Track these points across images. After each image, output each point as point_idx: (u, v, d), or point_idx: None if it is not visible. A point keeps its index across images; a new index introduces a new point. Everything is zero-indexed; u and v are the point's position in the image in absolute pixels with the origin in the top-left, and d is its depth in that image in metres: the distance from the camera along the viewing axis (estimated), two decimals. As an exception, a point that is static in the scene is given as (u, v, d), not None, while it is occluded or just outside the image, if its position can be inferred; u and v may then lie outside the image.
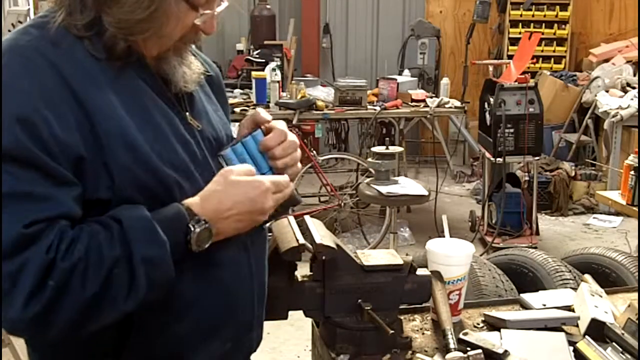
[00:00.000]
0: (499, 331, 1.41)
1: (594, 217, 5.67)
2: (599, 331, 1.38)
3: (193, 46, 1.22)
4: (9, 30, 3.85)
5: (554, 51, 7.31)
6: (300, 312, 1.35)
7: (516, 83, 4.63)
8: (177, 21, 1.08)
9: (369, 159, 3.83)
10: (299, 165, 1.24)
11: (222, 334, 1.18)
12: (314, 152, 5.03)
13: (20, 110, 0.96)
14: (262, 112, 1.23)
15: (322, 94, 5.38)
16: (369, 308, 1.29)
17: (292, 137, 1.22)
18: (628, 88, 6.04)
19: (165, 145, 1.09)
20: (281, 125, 1.22)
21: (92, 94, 1.02)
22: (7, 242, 0.94)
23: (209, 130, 1.21)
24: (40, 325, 0.96)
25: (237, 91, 5.69)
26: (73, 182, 1.00)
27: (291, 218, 1.39)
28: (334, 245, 1.28)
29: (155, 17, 1.05)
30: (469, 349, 1.31)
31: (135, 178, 1.03)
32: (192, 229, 1.05)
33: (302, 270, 1.35)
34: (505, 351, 1.29)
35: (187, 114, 1.17)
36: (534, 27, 7.13)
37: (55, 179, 0.98)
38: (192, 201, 1.08)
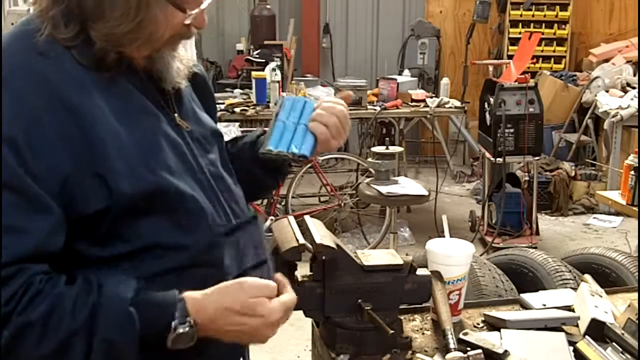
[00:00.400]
0: (499, 331, 1.41)
1: (594, 217, 5.67)
2: (599, 331, 1.38)
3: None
4: (9, 30, 3.84)
5: (554, 51, 7.31)
6: (300, 312, 1.34)
7: (516, 83, 4.63)
8: (165, 25, 1.06)
9: (369, 159, 3.83)
10: (339, 140, 1.25)
11: (209, 352, 1.14)
12: (314, 152, 5.02)
13: (6, 130, 0.94)
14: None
15: (322, 94, 5.38)
16: (369, 308, 1.29)
17: (342, 108, 1.24)
18: (628, 88, 6.04)
19: (157, 148, 1.08)
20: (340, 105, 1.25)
21: (82, 101, 1.00)
22: None
23: (198, 129, 1.21)
24: None
25: (237, 91, 5.68)
26: (53, 208, 0.97)
27: (291, 218, 1.39)
28: (334, 245, 1.28)
29: (142, 26, 1.03)
30: (469, 349, 1.30)
31: (132, 184, 1.02)
32: (173, 328, 0.99)
33: (302, 270, 1.35)
34: (505, 351, 1.28)
35: (176, 115, 1.16)
36: (534, 27, 7.13)
37: (35, 205, 0.96)
38: (191, 298, 1.02)
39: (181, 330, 0.98)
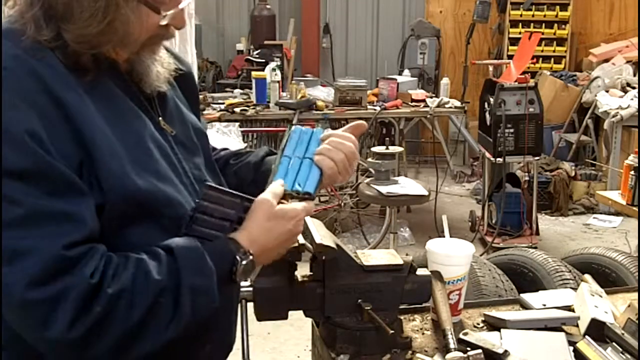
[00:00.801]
0: (499, 331, 1.41)
1: (594, 217, 5.67)
2: (599, 331, 1.38)
3: (167, 43, 1.20)
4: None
5: (554, 51, 7.31)
6: (300, 312, 1.35)
7: (516, 83, 4.63)
8: (139, 26, 1.05)
9: (369, 159, 3.83)
10: (345, 176, 1.27)
11: (203, 338, 1.18)
12: (314, 152, 5.03)
13: (23, 124, 0.94)
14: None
15: (322, 94, 5.39)
16: (369, 308, 1.29)
17: (351, 145, 1.25)
18: (628, 88, 6.04)
19: (145, 153, 1.08)
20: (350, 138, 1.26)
21: (73, 102, 1.00)
22: (45, 265, 0.92)
23: (183, 133, 1.21)
24: (81, 348, 0.95)
25: (237, 91, 5.69)
26: (86, 191, 0.99)
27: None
28: (334, 245, 1.28)
29: (113, 27, 1.02)
30: (469, 349, 1.30)
31: (122, 188, 1.01)
32: (239, 261, 1.07)
33: (302, 270, 1.35)
34: (505, 351, 1.28)
35: (160, 118, 1.16)
36: (534, 27, 7.13)
37: (76, 190, 0.97)
38: (239, 234, 1.10)
39: (245, 261, 1.08)
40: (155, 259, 1.01)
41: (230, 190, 1.15)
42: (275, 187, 1.16)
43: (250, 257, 1.09)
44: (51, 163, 0.95)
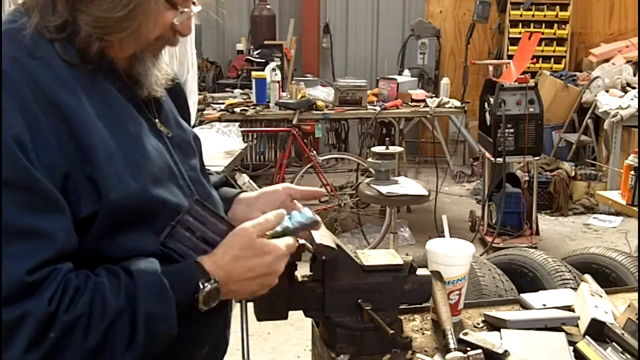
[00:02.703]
0: (499, 331, 1.41)
1: (594, 217, 5.67)
2: (599, 331, 1.38)
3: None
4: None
5: (554, 51, 7.31)
6: (300, 312, 1.35)
7: (516, 83, 4.63)
8: (155, 20, 1.06)
9: (369, 159, 3.83)
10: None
11: (201, 340, 1.18)
12: (314, 152, 5.04)
13: (10, 130, 0.92)
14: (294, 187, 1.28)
15: (322, 94, 5.39)
16: (369, 308, 1.29)
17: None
18: (628, 88, 6.05)
19: (143, 156, 1.07)
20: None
21: (71, 104, 0.99)
22: (7, 287, 0.91)
23: (179, 134, 1.20)
24: None
25: (237, 91, 5.70)
26: (65, 206, 0.97)
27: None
28: (334, 245, 1.28)
29: (134, 15, 1.02)
30: (469, 349, 1.30)
31: (119, 192, 1.00)
32: (201, 287, 1.03)
33: (302, 270, 1.35)
34: (505, 351, 1.28)
35: (157, 120, 1.16)
36: (534, 27, 7.14)
37: (52, 205, 0.95)
38: (206, 258, 1.07)
39: (208, 287, 1.03)
40: (115, 280, 0.99)
41: (218, 213, 1.12)
42: (262, 220, 1.12)
43: (215, 284, 1.04)
44: (32, 174, 0.93)
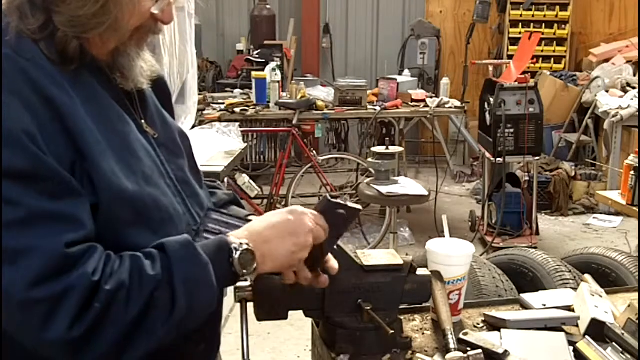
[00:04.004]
0: (499, 331, 1.41)
1: (594, 217, 5.67)
2: (599, 331, 1.38)
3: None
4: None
5: (554, 51, 7.31)
6: (300, 312, 1.34)
7: (516, 83, 4.63)
8: (132, 10, 1.04)
9: (369, 159, 3.83)
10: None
11: (199, 336, 1.18)
12: (314, 152, 5.04)
13: (19, 123, 0.93)
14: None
15: (322, 94, 5.39)
16: (369, 308, 1.29)
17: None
18: (628, 88, 6.04)
19: (132, 155, 1.07)
20: None
21: (64, 101, 0.99)
22: (47, 262, 0.92)
23: (165, 135, 1.20)
24: (80, 348, 0.94)
25: (237, 91, 5.70)
26: (82, 193, 0.98)
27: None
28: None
29: (107, 9, 1.01)
30: (469, 349, 1.30)
31: (111, 187, 1.01)
32: (234, 251, 1.06)
33: (302, 271, 1.35)
34: (505, 351, 1.28)
35: (143, 121, 1.15)
36: (534, 27, 7.14)
37: (73, 191, 0.97)
38: (236, 231, 1.11)
39: (240, 250, 1.06)
40: (149, 257, 1.01)
41: (235, 215, 1.16)
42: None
43: (247, 246, 1.07)
44: (48, 164, 0.94)
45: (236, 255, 1.05)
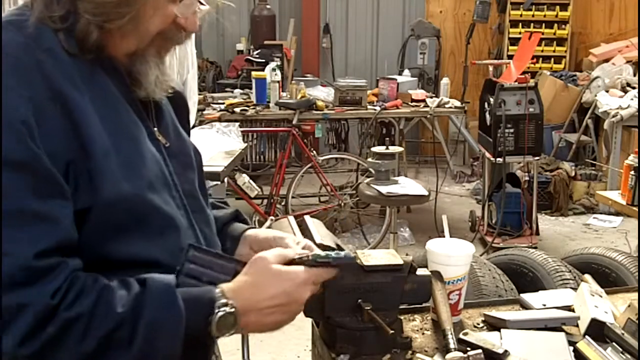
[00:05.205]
0: (499, 331, 1.41)
1: (594, 217, 5.67)
2: (599, 331, 1.38)
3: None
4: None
5: (554, 51, 7.31)
6: (300, 312, 1.35)
7: (516, 83, 4.63)
8: (154, 8, 1.04)
9: (369, 159, 3.83)
10: None
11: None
12: (314, 152, 5.04)
13: (20, 113, 0.92)
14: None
15: (322, 94, 5.39)
16: (369, 308, 1.29)
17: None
18: (628, 88, 6.05)
19: (139, 160, 1.05)
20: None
21: (75, 98, 0.99)
22: (11, 272, 0.89)
23: (178, 146, 1.18)
24: None
25: (237, 91, 5.69)
26: (68, 193, 0.96)
27: (291, 218, 1.39)
28: (334, 245, 1.28)
29: (131, 0, 1.01)
30: (469, 349, 1.30)
31: (112, 191, 0.99)
32: (216, 311, 1.00)
33: (302, 270, 1.35)
34: (505, 351, 1.28)
35: (155, 128, 1.14)
36: (534, 27, 7.14)
37: (57, 191, 0.95)
38: (225, 286, 1.04)
39: (223, 312, 1.00)
40: (126, 287, 0.97)
41: (220, 252, 1.09)
42: (282, 250, 1.11)
43: (232, 309, 1.01)
44: (40, 159, 0.93)
45: (216, 316, 1.00)
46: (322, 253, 1.14)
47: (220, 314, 1.00)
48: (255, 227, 1.33)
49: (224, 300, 1.01)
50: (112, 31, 1.04)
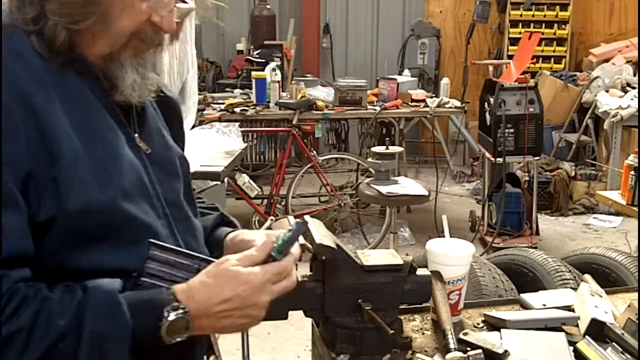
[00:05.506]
0: (499, 331, 1.41)
1: (594, 217, 5.67)
2: (599, 331, 1.38)
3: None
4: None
5: (554, 51, 7.31)
6: (300, 312, 1.34)
7: (516, 83, 4.63)
8: (122, 5, 1.00)
9: (369, 159, 3.83)
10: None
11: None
12: (314, 152, 5.04)
13: None
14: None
15: (322, 94, 5.39)
16: (369, 308, 1.29)
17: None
18: (628, 88, 6.05)
19: (113, 167, 1.01)
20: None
21: (46, 106, 0.95)
22: None
23: (162, 153, 1.14)
24: None
25: (237, 91, 5.70)
26: (22, 205, 0.92)
27: (291, 218, 1.39)
28: (334, 245, 1.28)
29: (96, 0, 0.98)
30: (469, 349, 1.30)
31: (81, 199, 0.95)
32: (166, 315, 0.96)
33: (302, 270, 1.35)
34: (505, 351, 1.28)
35: (136, 135, 1.10)
36: (534, 27, 7.14)
37: (11, 202, 0.91)
38: (179, 287, 1.00)
39: (174, 317, 0.96)
40: (69, 297, 0.93)
41: (182, 250, 1.04)
42: (247, 252, 1.04)
43: (183, 314, 0.96)
44: None
45: (166, 321, 0.96)
46: (279, 241, 1.07)
47: (171, 318, 0.96)
48: (238, 229, 1.29)
49: (175, 304, 0.97)
50: (81, 33, 1.01)
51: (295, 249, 1.11)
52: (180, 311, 0.97)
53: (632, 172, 3.09)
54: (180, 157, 1.21)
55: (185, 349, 1.10)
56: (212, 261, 1.03)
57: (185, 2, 1.08)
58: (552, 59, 7.32)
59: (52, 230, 0.95)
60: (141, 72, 1.07)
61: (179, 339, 0.98)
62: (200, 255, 1.04)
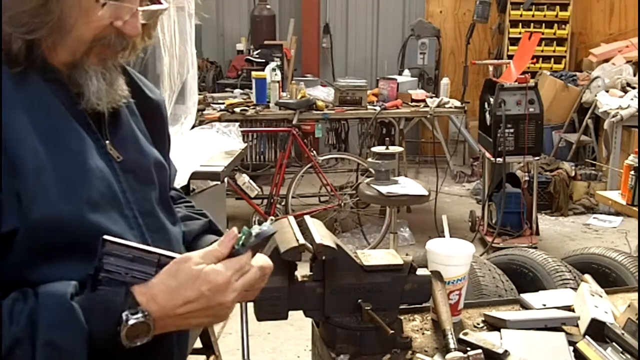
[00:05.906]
0: (499, 331, 1.41)
1: (594, 217, 5.67)
2: (599, 331, 1.38)
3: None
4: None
5: (554, 51, 7.31)
6: (300, 312, 1.35)
7: (516, 83, 4.63)
8: (78, 12, 0.96)
9: (369, 159, 3.83)
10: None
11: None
12: (314, 152, 5.04)
13: None
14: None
15: (322, 94, 5.39)
16: (369, 308, 1.29)
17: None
18: (628, 88, 6.05)
19: (79, 177, 0.98)
20: None
21: (7, 115, 0.92)
22: None
23: (136, 161, 1.10)
24: None
25: (237, 91, 5.70)
26: None
27: (291, 218, 1.39)
28: (334, 245, 1.28)
29: (48, 8, 0.94)
30: (469, 349, 1.31)
31: (43, 210, 0.92)
32: (125, 319, 0.91)
33: (302, 270, 1.35)
34: (505, 351, 1.29)
35: (107, 142, 1.06)
36: (534, 27, 7.14)
37: None
38: (139, 288, 0.95)
39: (134, 320, 0.92)
40: (21, 303, 0.90)
41: (140, 246, 0.99)
42: (210, 247, 1.00)
43: (143, 317, 0.92)
44: None
45: (124, 326, 0.91)
46: (241, 234, 1.01)
47: (131, 322, 0.92)
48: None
49: (133, 309, 0.93)
50: (40, 42, 0.98)
51: (265, 250, 1.07)
52: (140, 314, 0.93)
53: (632, 172, 3.09)
54: (156, 163, 1.16)
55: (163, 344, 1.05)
56: (173, 257, 0.98)
57: (160, 3, 1.05)
58: (552, 59, 7.32)
59: (14, 243, 0.92)
60: (108, 79, 1.04)
61: (139, 343, 0.94)
62: (159, 251, 0.99)
